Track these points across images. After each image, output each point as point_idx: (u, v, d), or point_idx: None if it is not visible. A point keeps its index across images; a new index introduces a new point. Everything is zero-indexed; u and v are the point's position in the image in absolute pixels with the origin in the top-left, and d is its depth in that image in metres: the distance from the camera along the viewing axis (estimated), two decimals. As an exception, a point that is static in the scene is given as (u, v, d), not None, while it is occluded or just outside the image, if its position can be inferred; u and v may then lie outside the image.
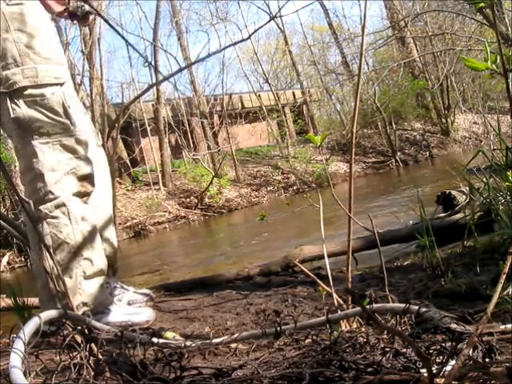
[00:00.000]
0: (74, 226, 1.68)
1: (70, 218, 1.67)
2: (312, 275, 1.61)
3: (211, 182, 12.02)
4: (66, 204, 1.67)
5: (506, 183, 1.84)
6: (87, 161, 1.76)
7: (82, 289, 1.68)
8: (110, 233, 1.97)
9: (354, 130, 1.43)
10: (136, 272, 4.93)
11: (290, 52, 18.85)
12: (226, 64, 17.41)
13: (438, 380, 0.75)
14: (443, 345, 0.91)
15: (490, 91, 17.63)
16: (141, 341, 1.18)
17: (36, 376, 1.01)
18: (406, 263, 2.45)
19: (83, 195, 1.75)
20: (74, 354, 1.03)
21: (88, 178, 1.76)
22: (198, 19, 22.27)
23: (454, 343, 0.90)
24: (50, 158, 1.66)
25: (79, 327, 1.16)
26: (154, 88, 12.83)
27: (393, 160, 15.23)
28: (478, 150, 2.70)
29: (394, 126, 16.13)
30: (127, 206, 11.50)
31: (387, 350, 0.95)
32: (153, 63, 13.64)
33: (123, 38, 2.62)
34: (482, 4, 0.97)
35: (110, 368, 1.03)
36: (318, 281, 1.52)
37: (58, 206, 1.66)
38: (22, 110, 1.64)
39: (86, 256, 1.70)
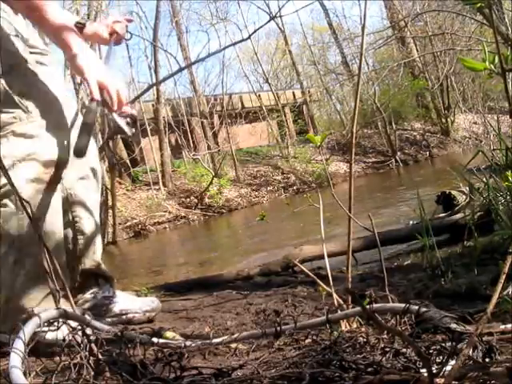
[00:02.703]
0: (19, 216, 1.49)
1: (17, 207, 1.49)
2: (312, 275, 1.61)
3: (211, 182, 12.02)
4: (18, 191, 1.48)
5: (506, 183, 1.84)
6: (53, 145, 1.57)
7: (27, 292, 1.49)
8: (96, 243, 1.86)
9: (354, 130, 1.43)
10: (136, 272, 4.94)
11: (290, 52, 18.87)
12: (226, 64, 17.47)
13: (437, 380, 0.75)
14: (443, 345, 0.91)
15: (490, 91, 17.64)
16: (141, 341, 1.18)
17: (36, 376, 1.01)
18: (405, 263, 2.45)
19: (47, 182, 1.55)
20: (74, 354, 1.03)
21: (55, 164, 1.57)
22: (198, 19, 22.36)
23: (453, 343, 0.90)
24: (3, 147, 1.51)
25: (79, 327, 1.16)
26: (154, 88, 12.84)
27: (393, 160, 15.24)
28: (477, 150, 2.70)
29: (393, 125, 16.15)
30: (127, 206, 11.50)
31: (387, 349, 0.95)
32: (153, 63, 13.65)
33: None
34: (479, 4, 0.97)
35: (110, 368, 1.03)
36: (318, 281, 1.52)
37: (6, 194, 1.49)
38: None
39: (33, 252, 1.48)
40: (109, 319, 1.81)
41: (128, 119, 1.57)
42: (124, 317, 1.86)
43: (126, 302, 1.91)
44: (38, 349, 1.12)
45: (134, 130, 1.60)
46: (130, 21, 2.01)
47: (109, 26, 1.91)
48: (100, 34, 1.89)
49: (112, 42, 1.91)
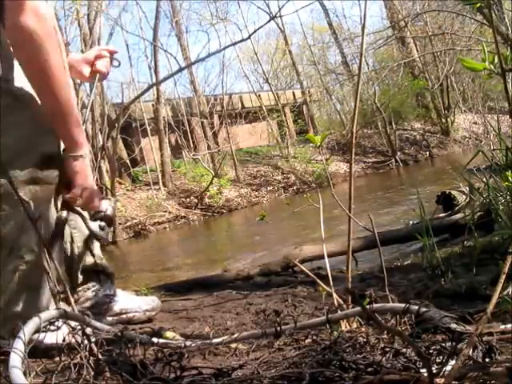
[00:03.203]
0: (16, 220, 1.37)
1: (14, 210, 1.36)
2: (312, 275, 1.61)
3: (211, 182, 12.01)
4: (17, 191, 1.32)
5: (506, 183, 1.84)
6: (48, 136, 1.41)
7: (22, 299, 1.42)
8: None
9: (354, 130, 1.43)
10: (136, 272, 4.94)
11: (290, 52, 18.85)
12: (226, 64, 17.41)
13: (437, 380, 0.75)
14: (443, 345, 0.91)
15: (490, 91, 17.64)
16: (141, 341, 1.18)
17: (36, 376, 1.01)
18: (405, 263, 2.45)
19: (45, 180, 1.40)
20: (74, 353, 1.03)
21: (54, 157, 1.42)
22: (198, 19, 22.36)
23: (453, 343, 0.90)
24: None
25: (79, 327, 1.16)
26: (154, 88, 12.83)
27: (393, 160, 15.23)
28: (477, 150, 2.70)
29: (393, 125, 16.14)
30: (127, 206, 11.49)
31: (387, 349, 0.95)
32: (153, 63, 13.65)
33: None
34: (479, 4, 0.97)
35: (109, 368, 1.03)
36: (318, 281, 1.52)
37: (3, 197, 1.35)
38: None
39: (28, 259, 1.40)
40: (109, 318, 1.82)
41: (102, 223, 1.54)
42: (124, 316, 1.87)
43: (127, 301, 1.91)
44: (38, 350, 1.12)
45: (107, 230, 1.55)
46: (113, 52, 1.92)
47: (90, 63, 1.84)
48: (80, 71, 1.82)
49: (95, 78, 1.85)
